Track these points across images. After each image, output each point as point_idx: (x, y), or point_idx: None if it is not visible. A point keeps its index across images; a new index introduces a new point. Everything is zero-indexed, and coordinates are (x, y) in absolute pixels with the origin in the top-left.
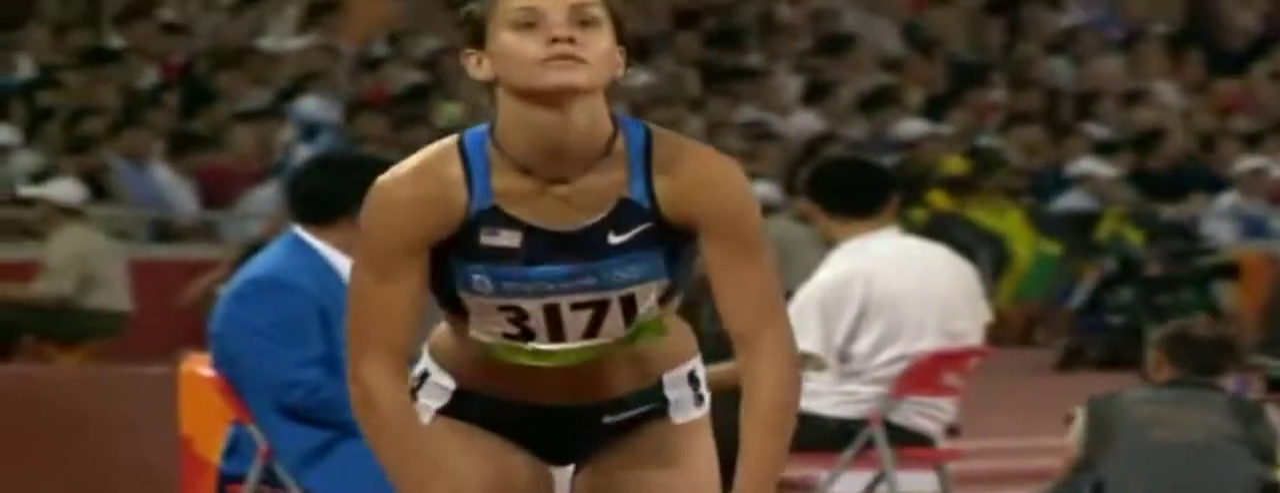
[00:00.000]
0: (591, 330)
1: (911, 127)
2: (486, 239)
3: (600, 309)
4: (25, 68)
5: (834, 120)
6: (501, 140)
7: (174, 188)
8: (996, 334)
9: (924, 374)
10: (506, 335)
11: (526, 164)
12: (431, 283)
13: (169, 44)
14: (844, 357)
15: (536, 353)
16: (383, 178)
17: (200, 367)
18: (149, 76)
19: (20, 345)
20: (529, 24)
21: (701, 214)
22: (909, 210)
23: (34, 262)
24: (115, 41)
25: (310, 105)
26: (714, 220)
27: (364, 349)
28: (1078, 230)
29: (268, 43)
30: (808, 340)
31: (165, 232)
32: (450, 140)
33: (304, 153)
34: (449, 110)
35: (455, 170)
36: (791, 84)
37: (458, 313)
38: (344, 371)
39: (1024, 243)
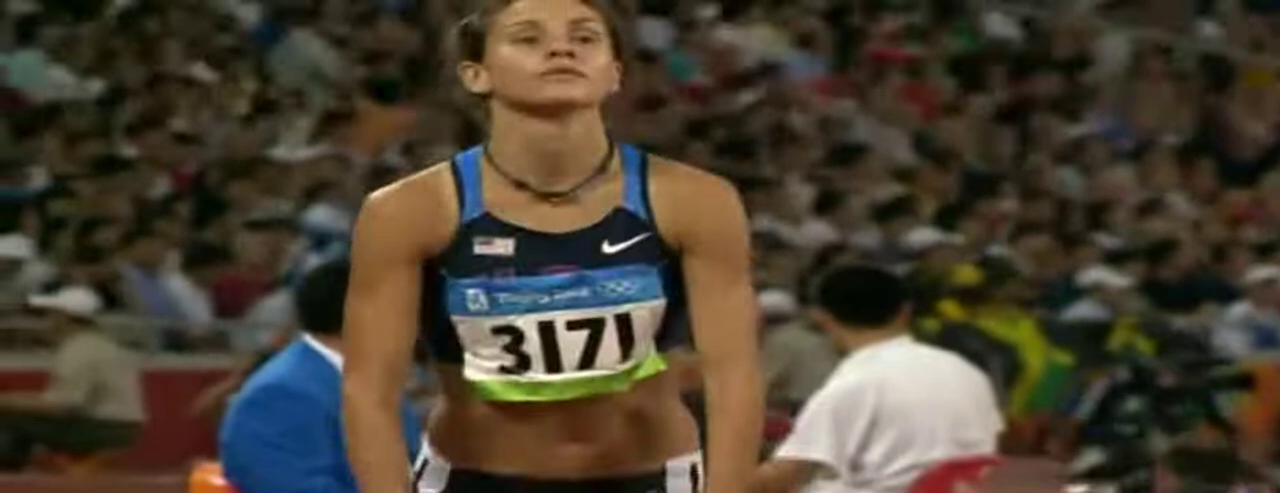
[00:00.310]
0: (588, 358)
1: (923, 236)
2: (480, 248)
3: (596, 330)
4: (39, 178)
5: (845, 230)
6: (495, 154)
7: (186, 297)
8: (1008, 444)
9: (936, 484)
10: (503, 368)
11: (520, 177)
12: (425, 328)
13: (181, 154)
14: (856, 466)
15: (533, 386)
16: (372, 194)
17: (212, 476)
18: (161, 186)
19: (32, 456)
20: (528, 38)
21: (698, 231)
22: (921, 320)
23: (45, 371)
24: (127, 151)
25: (321, 215)
26: (710, 237)
27: (353, 366)
28: (1089, 340)
29: (279, 152)
30: (819, 449)
31: (177, 341)
32: (443, 162)
33: (314, 263)
34: None
35: (446, 184)
36: (803, 193)
37: (451, 357)
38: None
39: (1036, 352)
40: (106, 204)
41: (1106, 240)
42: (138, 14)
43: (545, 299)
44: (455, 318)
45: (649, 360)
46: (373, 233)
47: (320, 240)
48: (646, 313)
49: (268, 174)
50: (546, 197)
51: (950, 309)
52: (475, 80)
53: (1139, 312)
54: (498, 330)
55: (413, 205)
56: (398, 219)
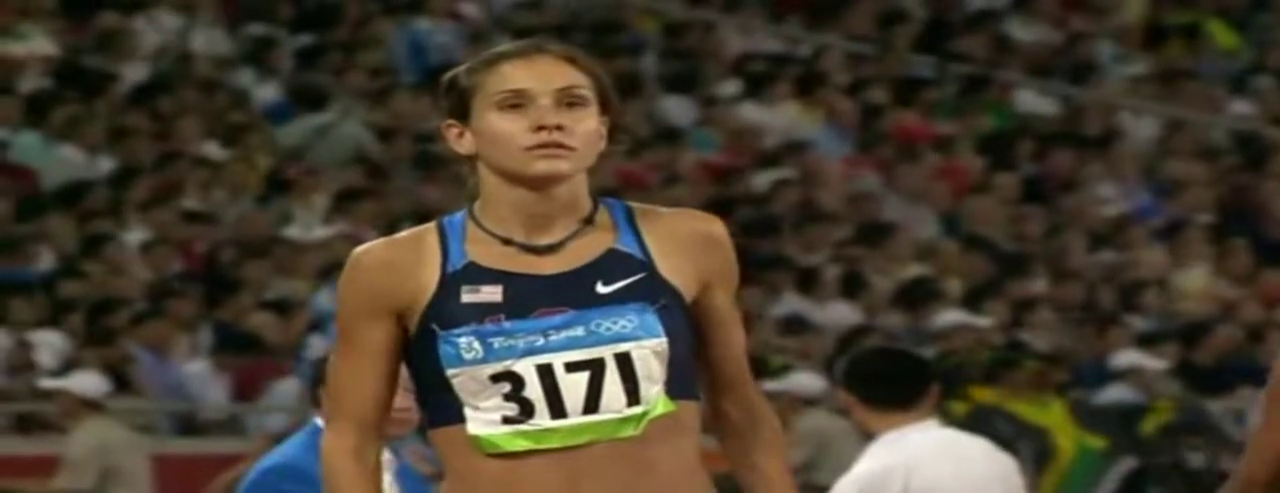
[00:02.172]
0: (592, 401)
1: (950, 317)
2: (468, 297)
3: (597, 372)
4: (47, 258)
5: (871, 311)
6: (481, 213)
7: (200, 380)
8: None
9: None
10: (506, 418)
11: (506, 235)
12: (420, 393)
13: (192, 232)
14: None
15: (539, 434)
16: (356, 248)
17: None
18: (172, 266)
19: None
20: (515, 105)
21: (703, 269)
22: (949, 403)
23: (54, 456)
24: (138, 230)
25: (327, 297)
26: (715, 276)
27: (331, 420)
28: (1122, 424)
29: (294, 232)
30: None
31: (189, 425)
32: (430, 223)
33: (318, 344)
34: None
35: (431, 241)
36: (829, 273)
37: (450, 418)
38: None
39: (1067, 437)
40: (116, 285)
41: (1138, 322)
42: (150, 91)
43: (540, 341)
44: (451, 372)
45: (659, 403)
46: (353, 285)
47: (321, 322)
48: (648, 353)
49: (281, 254)
50: (533, 250)
51: (979, 392)
52: (459, 141)
53: (1173, 395)
54: (496, 378)
55: (394, 258)
56: (376, 271)
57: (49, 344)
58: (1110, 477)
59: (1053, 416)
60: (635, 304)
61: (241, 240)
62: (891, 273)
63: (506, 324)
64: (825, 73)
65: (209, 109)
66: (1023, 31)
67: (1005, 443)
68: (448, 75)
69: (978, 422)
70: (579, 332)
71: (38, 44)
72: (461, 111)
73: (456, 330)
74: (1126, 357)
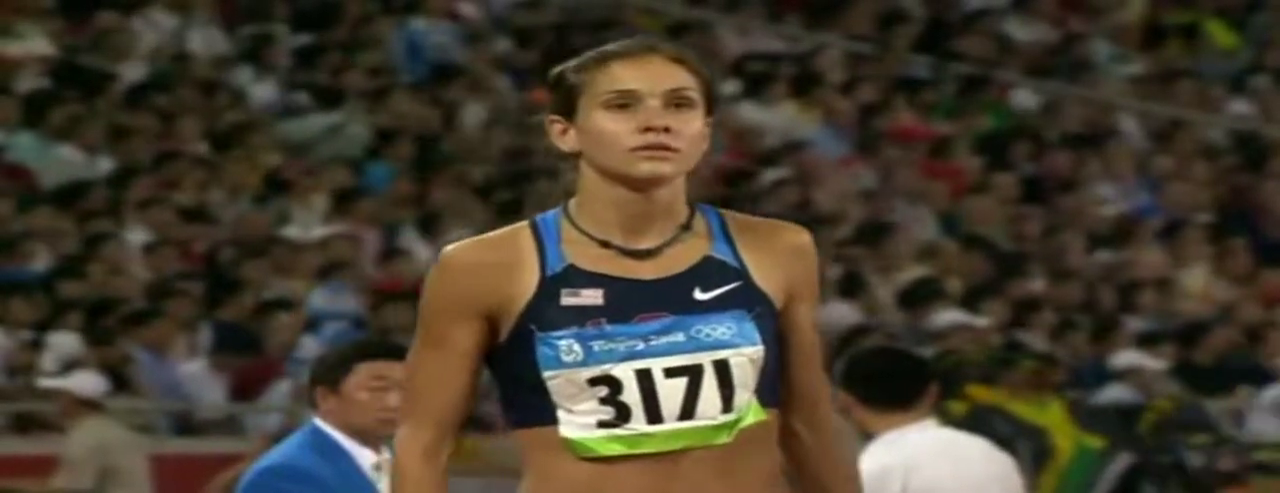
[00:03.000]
0: (688, 407)
1: (948, 317)
2: (568, 300)
3: (695, 378)
4: (44, 258)
5: (871, 312)
6: (578, 213)
7: (198, 380)
8: None
9: None
10: (601, 422)
11: (604, 236)
12: (510, 394)
13: (191, 232)
14: None
15: (635, 439)
16: (447, 247)
17: None
18: (171, 266)
19: None
20: (623, 105)
21: (793, 280)
22: (948, 402)
23: (53, 456)
24: (137, 229)
25: (320, 297)
26: (801, 287)
27: (406, 416)
28: (1121, 424)
29: (293, 231)
30: None
31: (187, 425)
32: (522, 222)
33: (312, 345)
34: None
35: (526, 240)
36: (828, 274)
37: (542, 420)
38: None
39: (1066, 437)
40: (115, 285)
41: (1137, 322)
42: (148, 91)
43: (641, 346)
44: (548, 374)
45: (751, 410)
46: (444, 285)
47: (314, 322)
48: (745, 360)
49: (280, 254)
50: (631, 254)
51: (978, 392)
52: (563, 137)
53: (1171, 395)
54: (594, 381)
55: (488, 260)
56: (471, 272)
57: (57, 345)
58: (1107, 475)
59: (1051, 416)
60: (733, 312)
61: (240, 240)
62: (890, 273)
63: (607, 328)
64: (823, 73)
65: (207, 109)
66: (1021, 31)
67: (1004, 443)
68: (556, 70)
69: (976, 422)
70: (679, 337)
71: (35, 44)
72: (567, 108)
73: (556, 333)
74: (1125, 357)
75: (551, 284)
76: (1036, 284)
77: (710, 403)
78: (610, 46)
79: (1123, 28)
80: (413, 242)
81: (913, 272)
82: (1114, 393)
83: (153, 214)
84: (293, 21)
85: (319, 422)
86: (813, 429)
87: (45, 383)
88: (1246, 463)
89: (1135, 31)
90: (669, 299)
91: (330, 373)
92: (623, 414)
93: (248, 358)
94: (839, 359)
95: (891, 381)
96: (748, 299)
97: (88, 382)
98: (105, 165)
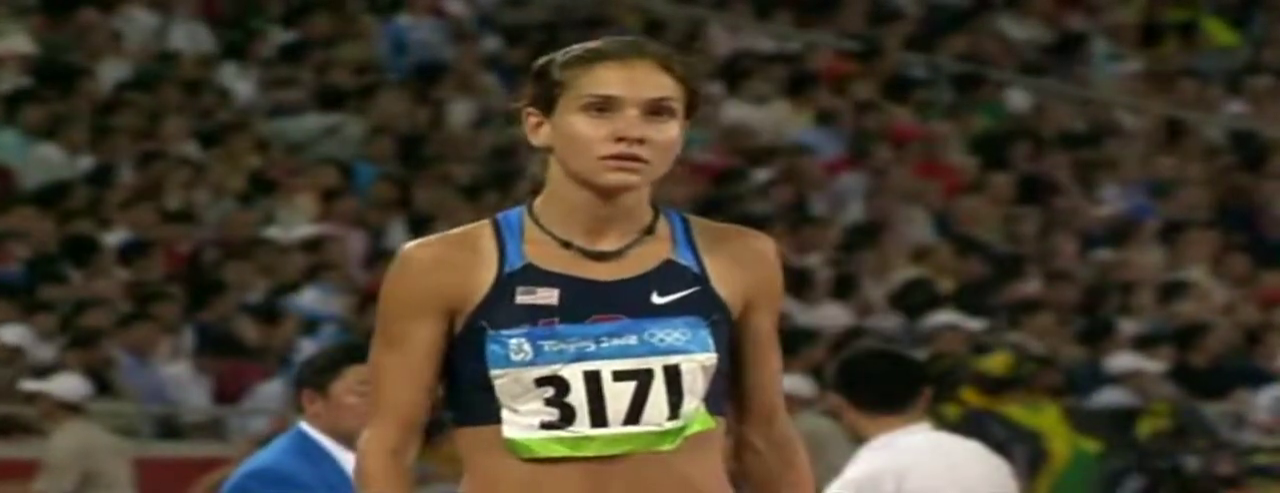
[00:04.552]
0: (634, 412)
1: (940, 318)
2: (523, 298)
3: (644, 382)
4: (24, 258)
5: (864, 313)
6: (541, 211)
7: (182, 383)
8: None
9: None
10: (545, 423)
11: (565, 236)
12: (455, 391)
13: (175, 233)
14: None
15: (577, 441)
16: (406, 245)
17: None
18: (154, 267)
19: None
20: (601, 109)
21: (753, 289)
22: (941, 406)
23: (34, 460)
24: (119, 230)
25: (310, 298)
26: (760, 295)
27: (371, 416)
28: (1117, 427)
29: (277, 232)
30: None
31: (171, 428)
32: (484, 220)
33: (307, 347)
34: None
35: (486, 238)
36: (821, 275)
37: (485, 419)
38: None
39: (1061, 440)
40: (96, 286)
41: (1134, 324)
42: (130, 89)
43: (592, 347)
44: (495, 372)
45: (698, 418)
46: (403, 282)
47: (310, 325)
48: (697, 367)
49: (265, 255)
50: (591, 255)
51: (972, 395)
52: (536, 132)
53: (1169, 398)
54: (541, 381)
55: (447, 256)
56: (430, 269)
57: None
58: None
59: (1047, 419)
60: (689, 317)
61: (224, 241)
62: (884, 275)
63: (559, 328)
64: (815, 71)
65: (191, 107)
66: (1016, 29)
67: (998, 447)
68: (540, 61)
69: (970, 426)
70: (632, 340)
71: (15, 41)
72: (546, 103)
73: (507, 331)
74: (1122, 359)
75: (508, 282)
76: (1032, 286)
77: (657, 409)
78: (598, 45)
79: (1119, 26)
80: (400, 242)
81: (906, 273)
82: (1110, 396)
83: (135, 214)
84: (276, 18)
85: (304, 425)
86: (770, 444)
87: (27, 386)
88: (1244, 467)
89: (1132, 30)
90: (625, 301)
91: (317, 376)
92: (567, 416)
93: (232, 360)
94: (831, 362)
95: (884, 384)
96: (705, 305)
97: (68, 385)
98: (86, 164)
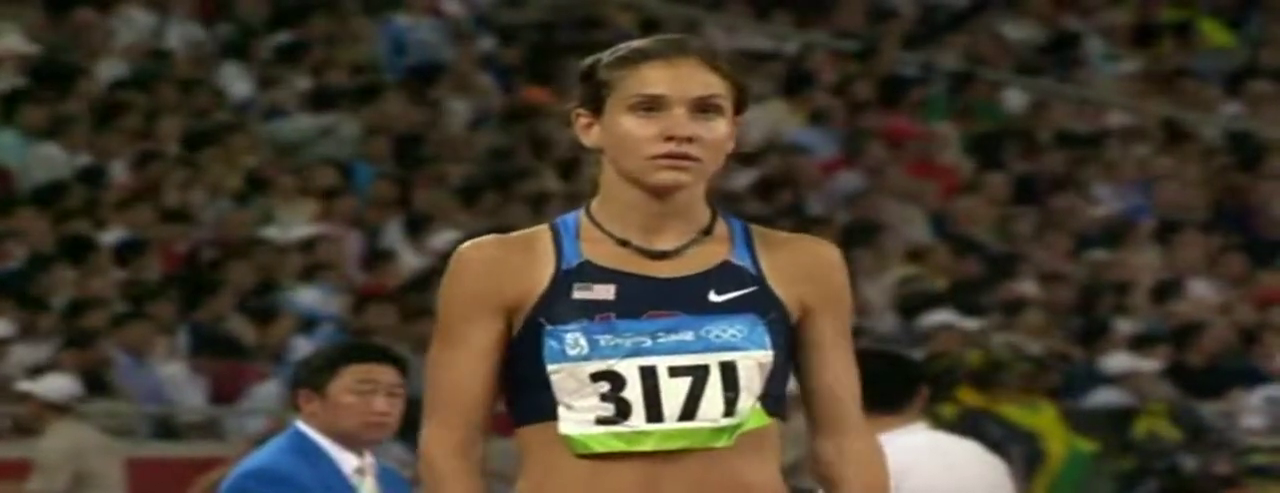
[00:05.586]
0: (690, 408)
1: (936, 318)
2: (580, 294)
3: (700, 378)
4: (20, 257)
5: (861, 314)
6: (598, 211)
7: (178, 383)
8: None
9: None
10: (600, 420)
11: (623, 236)
12: (513, 388)
13: (172, 232)
14: None
15: (633, 436)
16: (464, 244)
17: None
18: (151, 267)
19: None
20: (649, 109)
21: (812, 293)
22: (938, 406)
23: (26, 460)
24: (116, 229)
25: (309, 297)
26: (827, 302)
27: (431, 414)
28: (1113, 427)
29: (274, 232)
30: None
31: (167, 428)
32: (542, 225)
33: (303, 346)
34: None
35: (543, 238)
36: None
37: (542, 415)
38: None
39: (1058, 440)
40: (93, 285)
41: (1130, 324)
42: (127, 88)
43: (648, 343)
44: (552, 368)
45: (753, 415)
46: (461, 281)
47: (307, 325)
48: (753, 364)
49: (263, 254)
50: (649, 254)
51: (968, 396)
52: (587, 132)
53: (1165, 398)
54: (597, 376)
55: (505, 256)
56: (488, 268)
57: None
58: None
59: (1043, 419)
60: (746, 315)
61: (221, 241)
62: (880, 274)
63: (616, 323)
64: (812, 71)
65: (187, 106)
66: (1013, 30)
67: (995, 447)
68: (587, 62)
69: (967, 426)
70: (688, 336)
71: (12, 41)
72: (594, 104)
73: (564, 326)
74: (1118, 359)
75: (565, 278)
76: (1027, 286)
77: (712, 405)
78: (643, 44)
79: (1115, 26)
80: (397, 243)
81: (902, 272)
82: (1106, 396)
83: (132, 214)
84: (273, 19)
85: (301, 425)
86: (842, 457)
87: (21, 386)
88: (1242, 467)
89: (1129, 30)
90: (682, 298)
91: (315, 376)
92: (622, 411)
93: (227, 360)
94: None
95: (881, 383)
96: (762, 304)
97: (58, 385)
98: (83, 164)
